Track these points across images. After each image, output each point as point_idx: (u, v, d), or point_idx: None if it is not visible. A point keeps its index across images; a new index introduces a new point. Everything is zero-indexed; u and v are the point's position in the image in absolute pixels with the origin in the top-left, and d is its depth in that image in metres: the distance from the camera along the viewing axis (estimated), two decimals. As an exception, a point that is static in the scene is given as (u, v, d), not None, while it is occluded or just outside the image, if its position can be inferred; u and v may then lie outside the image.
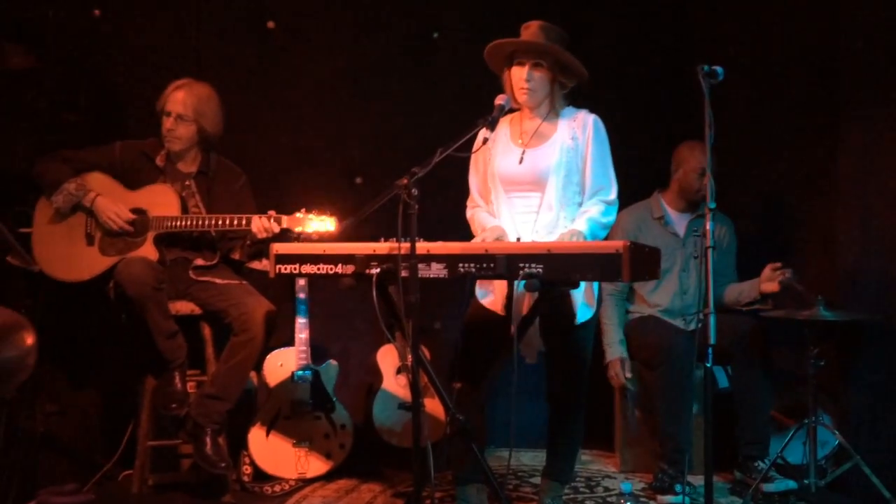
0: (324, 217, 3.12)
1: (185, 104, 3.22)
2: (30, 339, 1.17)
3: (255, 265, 3.33)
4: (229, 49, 3.89)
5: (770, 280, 3.39)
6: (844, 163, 3.28)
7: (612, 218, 2.85)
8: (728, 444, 3.33)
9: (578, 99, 2.95)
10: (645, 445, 3.56)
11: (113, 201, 3.18)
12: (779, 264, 3.38)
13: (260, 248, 3.22)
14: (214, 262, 3.32)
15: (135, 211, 3.21)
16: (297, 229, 3.11)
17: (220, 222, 3.16)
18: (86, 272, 3.17)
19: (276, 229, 3.12)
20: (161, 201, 3.21)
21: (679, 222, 3.62)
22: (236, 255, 3.34)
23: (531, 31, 2.83)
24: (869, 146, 3.16)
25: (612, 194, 2.85)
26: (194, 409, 3.10)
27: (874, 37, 3.11)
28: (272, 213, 3.14)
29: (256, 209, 3.22)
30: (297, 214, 3.13)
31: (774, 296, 3.40)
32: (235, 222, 3.16)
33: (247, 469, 3.44)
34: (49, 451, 3.41)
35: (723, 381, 3.55)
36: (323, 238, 3.09)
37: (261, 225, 3.11)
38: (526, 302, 2.72)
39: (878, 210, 3.13)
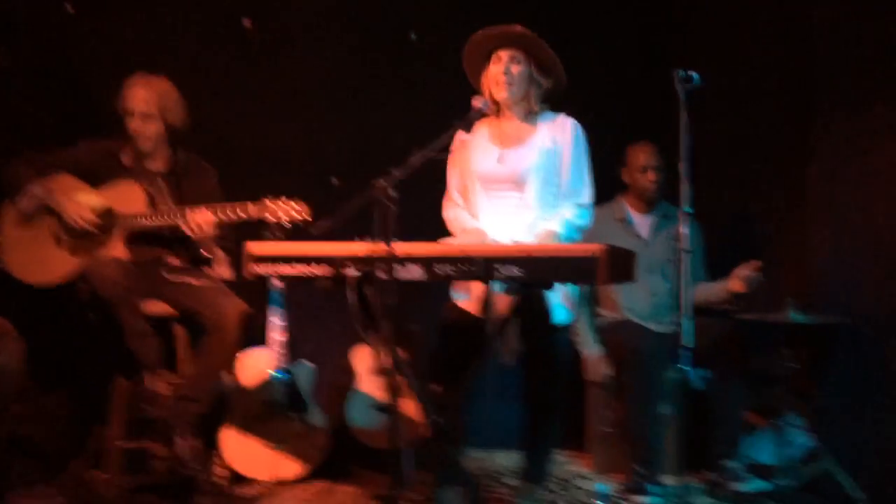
0: (293, 203, 3.07)
1: (147, 102, 3.17)
2: (16, 346, 1.15)
3: (209, 272, 3.28)
4: (205, 46, 3.86)
5: (739, 278, 3.41)
6: (816, 167, 3.33)
7: (586, 221, 2.89)
8: (701, 446, 3.36)
9: (556, 103, 2.97)
10: (618, 445, 3.58)
11: (76, 202, 3.14)
12: (757, 263, 3.39)
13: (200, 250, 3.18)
14: (188, 260, 3.28)
15: (101, 209, 3.16)
16: (267, 216, 3.07)
17: (171, 217, 3.12)
18: (56, 274, 3.13)
19: (212, 219, 3.05)
20: (127, 198, 3.17)
21: (641, 223, 3.65)
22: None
23: (506, 27, 2.85)
24: (839, 152, 3.21)
25: (587, 198, 2.89)
26: (166, 411, 3.07)
27: (847, 47, 3.16)
28: (249, 203, 3.09)
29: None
30: (265, 201, 3.07)
31: (743, 296, 3.43)
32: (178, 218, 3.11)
33: (220, 471, 3.41)
34: (17, 454, 3.36)
35: (696, 383, 3.58)
36: (295, 223, 3.06)
37: (192, 221, 3.05)
38: (503, 303, 2.73)
39: (848, 214, 3.18)
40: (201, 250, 3.19)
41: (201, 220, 3.07)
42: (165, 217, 3.13)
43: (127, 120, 3.20)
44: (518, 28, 2.84)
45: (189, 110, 3.32)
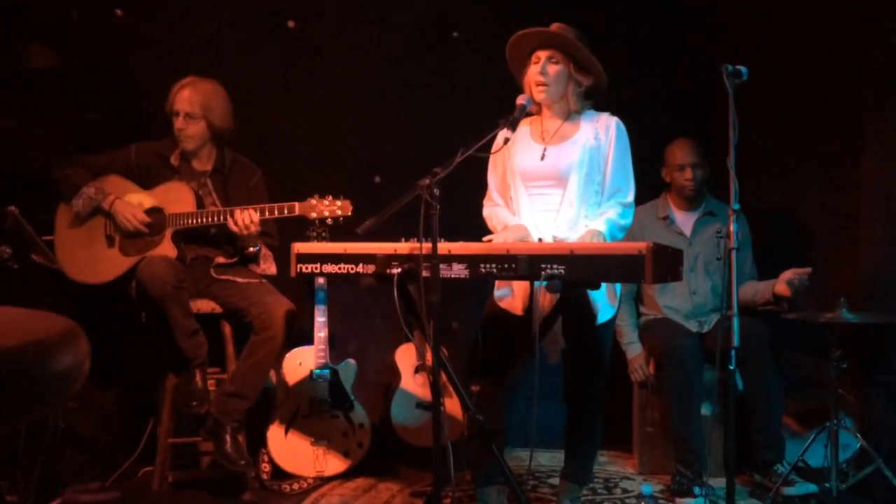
0: (337, 202, 3.13)
1: (191, 102, 3.23)
2: (85, 346, 1.18)
3: (255, 269, 3.33)
4: (250, 48, 3.91)
5: (785, 282, 3.35)
6: (868, 162, 3.25)
7: (629, 220, 2.86)
8: (744, 447, 3.31)
9: (601, 102, 2.95)
10: (663, 446, 3.55)
11: (128, 203, 3.21)
12: (807, 270, 3.33)
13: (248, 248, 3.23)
14: (235, 259, 3.33)
15: (151, 210, 3.23)
16: (312, 214, 3.12)
17: (232, 215, 3.17)
18: (109, 273, 3.20)
19: (257, 218, 3.11)
20: (176, 198, 3.23)
21: (685, 222, 3.61)
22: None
23: (549, 30, 2.83)
24: (892, 147, 3.13)
25: (630, 197, 2.86)
26: (214, 407, 3.11)
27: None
28: (295, 203, 3.14)
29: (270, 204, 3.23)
30: (311, 201, 3.14)
31: (787, 299, 3.37)
32: (223, 217, 3.16)
33: (266, 467, 3.46)
34: (69, 448, 3.44)
35: (739, 384, 3.53)
36: (339, 222, 3.11)
37: (240, 220, 3.11)
38: (546, 302, 2.72)
39: (901, 211, 3.10)
40: (249, 248, 3.23)
41: (247, 218, 3.12)
42: (213, 216, 3.18)
43: (173, 119, 3.26)
44: (555, 27, 2.82)
45: (235, 111, 3.37)
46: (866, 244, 3.25)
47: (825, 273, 3.39)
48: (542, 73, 2.81)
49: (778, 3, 3.76)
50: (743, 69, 2.48)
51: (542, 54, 2.82)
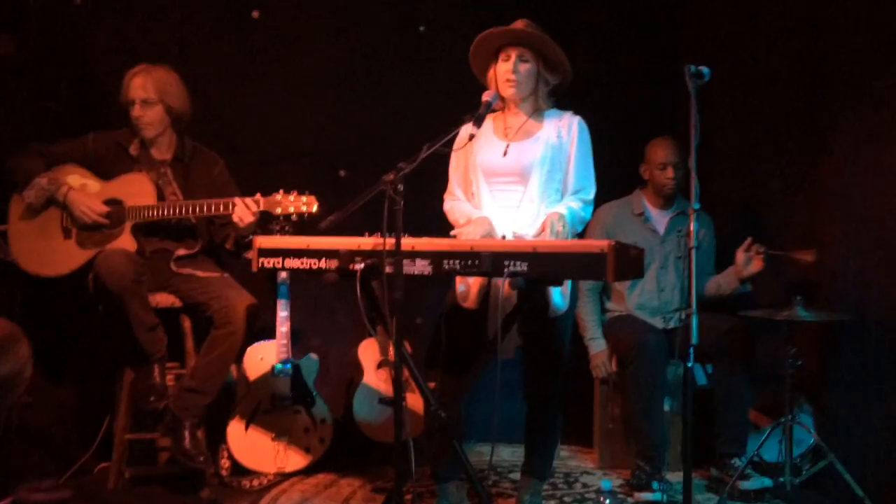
0: (303, 197, 3.10)
1: (145, 88, 3.18)
2: (26, 351, 1.15)
3: (251, 255, 3.30)
4: (213, 38, 3.86)
5: (748, 263, 3.40)
6: (828, 164, 3.31)
7: (588, 216, 2.92)
8: (704, 442, 3.36)
9: (564, 98, 2.97)
10: (623, 442, 3.59)
11: (86, 194, 3.14)
12: (747, 242, 3.38)
13: (246, 237, 3.19)
14: (197, 249, 3.28)
15: (110, 202, 3.17)
16: (277, 210, 3.09)
17: (199, 208, 3.13)
18: (65, 266, 3.13)
19: (255, 209, 3.09)
20: (136, 190, 3.18)
21: (659, 219, 3.65)
22: (229, 245, 3.30)
23: (516, 26, 2.84)
24: (852, 149, 3.19)
25: (591, 194, 2.93)
26: (173, 403, 3.07)
27: (862, 42, 3.14)
28: (259, 195, 3.12)
29: (240, 193, 3.19)
30: (276, 196, 3.11)
31: (758, 275, 3.41)
32: (214, 208, 3.12)
33: (225, 463, 3.42)
34: (24, 444, 3.37)
35: (701, 379, 3.58)
36: (303, 218, 3.08)
37: (240, 212, 3.08)
38: (505, 298, 2.72)
39: (858, 212, 3.16)
40: (246, 238, 3.16)
41: (246, 210, 3.07)
42: (174, 209, 3.13)
43: (129, 110, 3.20)
44: (525, 26, 2.83)
45: (197, 101, 3.33)
46: (824, 245, 3.31)
47: (785, 271, 3.44)
48: (513, 71, 2.82)
49: (742, 5, 3.81)
50: (705, 70, 2.50)
51: (513, 52, 2.83)
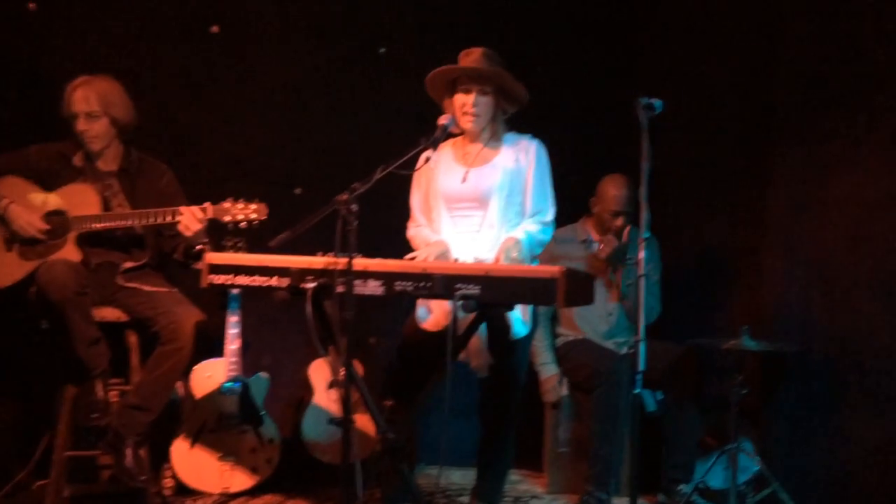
0: (252, 205, 3.05)
1: (87, 100, 3.12)
2: None
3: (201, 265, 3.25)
4: (169, 49, 3.81)
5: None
6: (773, 197, 3.39)
7: (547, 237, 2.96)
8: (653, 468, 3.39)
9: (521, 125, 3.00)
10: (573, 466, 3.60)
11: (25, 208, 3.07)
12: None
13: (194, 246, 3.14)
14: (144, 261, 3.22)
15: (53, 213, 3.10)
16: (226, 218, 3.04)
17: (145, 218, 3.07)
18: (6, 278, 3.05)
19: (202, 216, 3.03)
20: (80, 201, 3.11)
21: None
22: (178, 255, 3.25)
23: (473, 57, 2.87)
24: (795, 182, 3.28)
25: (550, 216, 2.96)
26: (116, 420, 3.00)
27: (806, 80, 3.23)
28: (207, 203, 3.07)
29: (188, 204, 3.14)
30: (225, 204, 3.05)
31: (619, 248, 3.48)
32: (161, 217, 3.07)
33: (169, 482, 3.35)
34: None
35: (650, 405, 3.62)
36: (252, 225, 3.03)
37: (187, 220, 3.02)
38: (463, 320, 2.73)
39: (801, 244, 3.24)
40: (196, 247, 3.10)
41: (192, 218, 3.01)
42: (121, 220, 3.08)
43: (73, 123, 3.14)
44: (484, 58, 2.85)
45: (153, 114, 3.28)
46: (768, 276, 3.39)
47: (730, 301, 3.51)
48: (474, 105, 2.84)
49: (697, 41, 3.90)
50: (657, 103, 2.55)
51: (473, 86, 2.85)
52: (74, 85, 3.15)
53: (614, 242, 3.47)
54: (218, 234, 3.13)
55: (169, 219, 3.06)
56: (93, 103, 3.12)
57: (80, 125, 3.12)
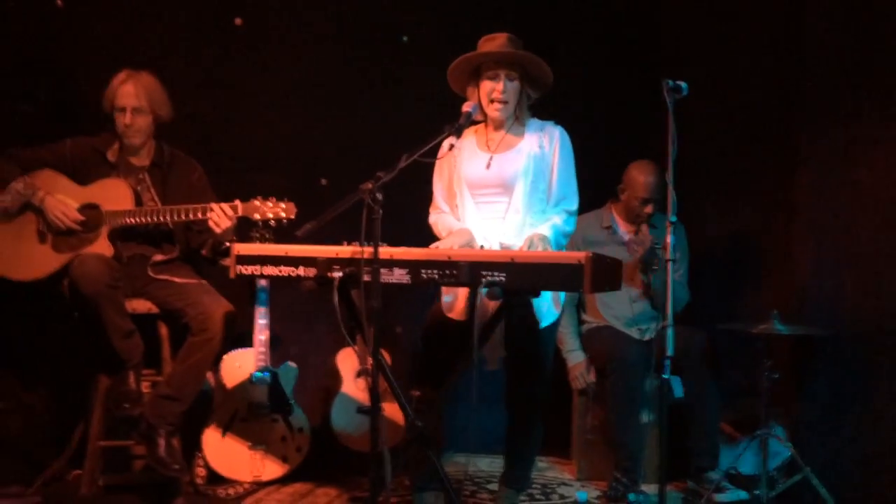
0: (281, 203, 3.09)
1: (137, 96, 3.17)
2: None
3: (228, 262, 3.28)
4: (194, 43, 3.85)
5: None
6: (802, 179, 3.35)
7: (572, 227, 2.93)
8: (681, 454, 3.37)
9: (546, 110, 2.98)
10: (601, 453, 3.59)
11: (61, 200, 3.12)
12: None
13: (223, 243, 3.18)
14: (174, 255, 3.26)
15: (87, 206, 3.15)
16: (255, 216, 3.08)
17: (176, 213, 3.11)
18: (39, 270, 3.10)
19: (232, 214, 3.08)
20: (114, 195, 3.16)
21: (627, 232, 3.66)
22: (206, 252, 3.29)
23: (499, 42, 2.85)
24: (826, 163, 3.24)
25: (574, 204, 2.94)
26: (148, 410, 3.04)
27: (836, 59, 3.18)
28: (237, 201, 3.11)
29: (217, 200, 3.18)
30: (255, 202, 3.10)
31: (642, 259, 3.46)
32: (192, 214, 3.11)
33: (201, 471, 3.39)
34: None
35: (679, 392, 3.59)
36: (282, 224, 3.07)
37: (217, 217, 3.06)
38: (489, 309, 2.73)
39: (831, 227, 3.20)
40: (224, 244, 3.14)
41: (222, 216, 3.06)
42: (152, 216, 3.12)
43: (117, 116, 3.18)
44: (510, 43, 2.83)
45: (178, 107, 3.31)
46: (799, 260, 3.35)
47: (759, 285, 3.47)
48: (503, 91, 2.83)
49: (722, 23, 3.85)
50: (683, 85, 2.52)
51: (501, 71, 2.83)
52: (121, 79, 3.19)
53: (647, 244, 3.41)
54: (246, 225, 3.15)
55: (200, 215, 3.09)
56: (141, 98, 3.17)
57: (127, 119, 3.16)
